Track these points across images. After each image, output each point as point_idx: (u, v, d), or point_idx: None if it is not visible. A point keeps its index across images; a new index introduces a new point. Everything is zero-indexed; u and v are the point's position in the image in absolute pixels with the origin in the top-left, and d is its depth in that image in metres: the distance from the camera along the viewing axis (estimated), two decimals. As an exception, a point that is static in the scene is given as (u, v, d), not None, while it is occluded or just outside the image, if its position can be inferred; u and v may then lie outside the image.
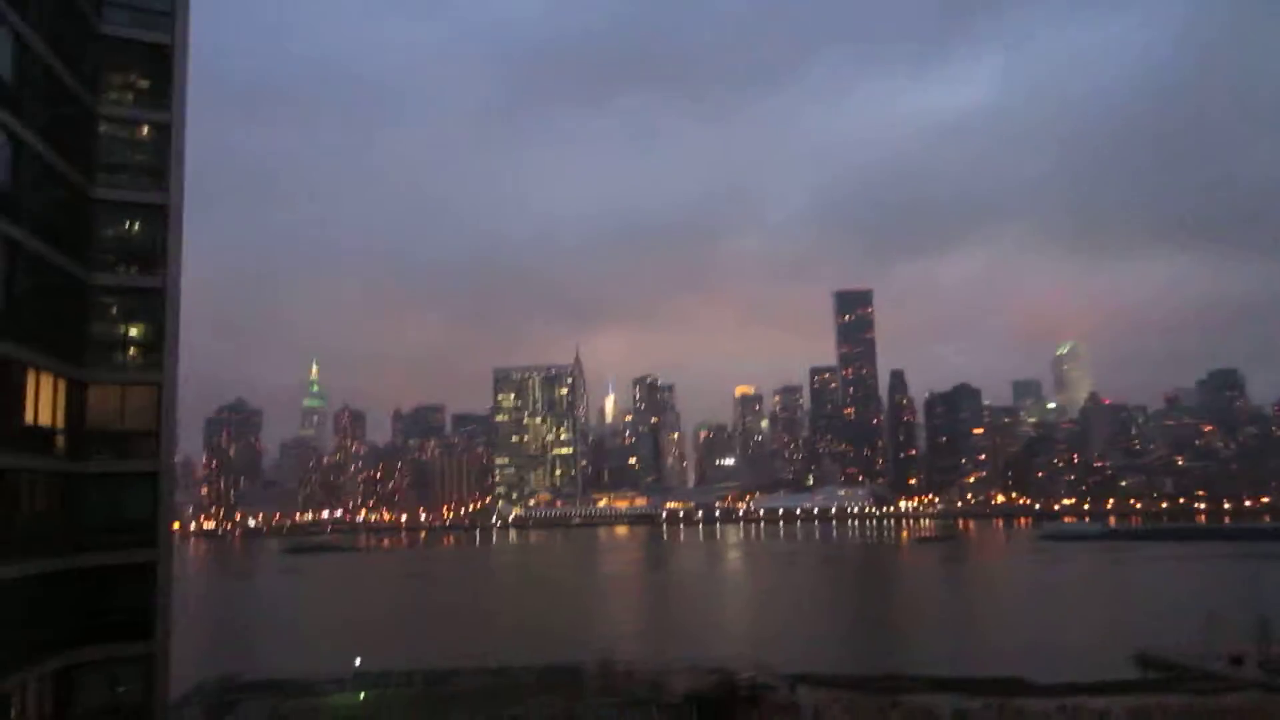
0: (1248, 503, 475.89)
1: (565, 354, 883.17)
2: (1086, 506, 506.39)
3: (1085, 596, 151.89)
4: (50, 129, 26.28)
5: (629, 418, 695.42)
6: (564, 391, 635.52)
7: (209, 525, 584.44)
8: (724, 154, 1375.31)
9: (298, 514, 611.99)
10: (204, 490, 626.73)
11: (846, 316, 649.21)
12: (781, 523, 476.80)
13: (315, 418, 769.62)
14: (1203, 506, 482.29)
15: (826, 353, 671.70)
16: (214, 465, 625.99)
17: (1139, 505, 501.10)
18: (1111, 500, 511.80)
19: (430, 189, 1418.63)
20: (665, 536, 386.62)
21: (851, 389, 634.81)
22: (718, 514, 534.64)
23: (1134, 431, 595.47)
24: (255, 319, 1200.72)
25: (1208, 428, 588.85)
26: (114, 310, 28.57)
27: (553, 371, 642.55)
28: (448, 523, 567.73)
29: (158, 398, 27.92)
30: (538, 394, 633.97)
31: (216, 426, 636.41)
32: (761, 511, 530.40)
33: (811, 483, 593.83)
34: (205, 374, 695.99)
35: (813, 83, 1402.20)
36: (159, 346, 28.31)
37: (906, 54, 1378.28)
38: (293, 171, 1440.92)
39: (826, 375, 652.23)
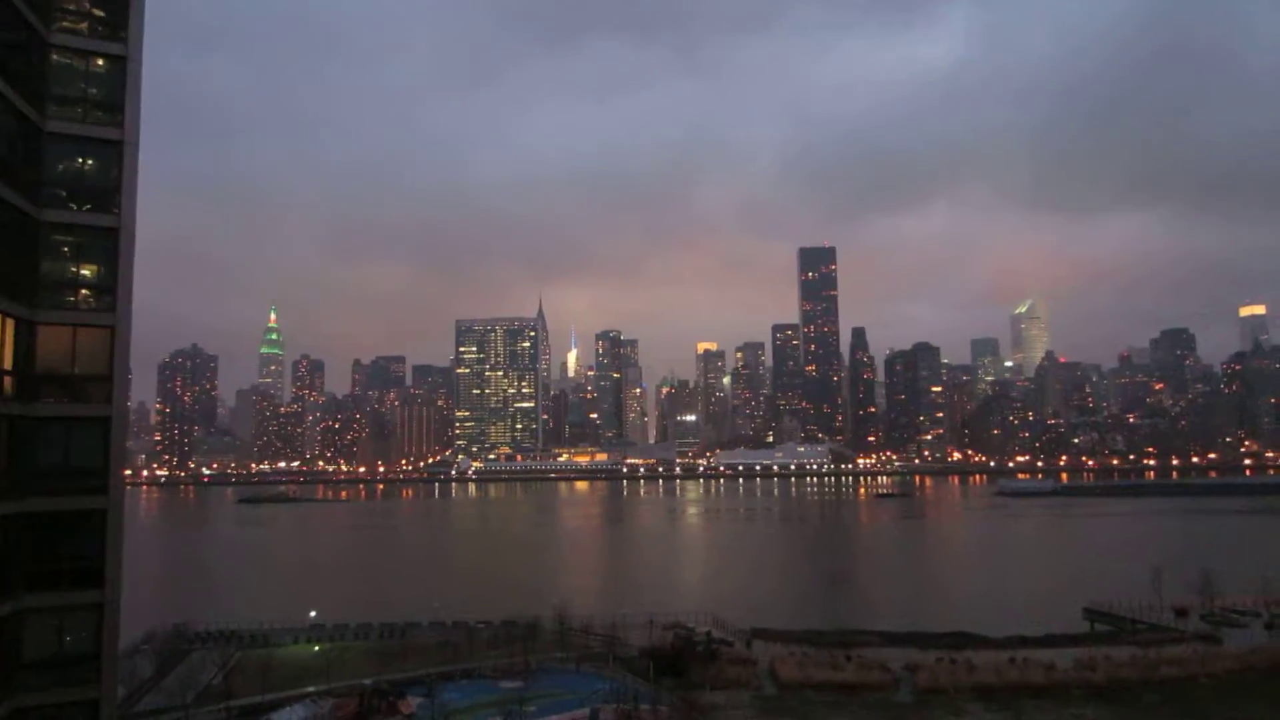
0: (1195, 459, 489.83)
1: (529, 305, 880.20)
2: (1040, 463, 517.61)
3: (1036, 551, 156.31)
4: (-3, 56, 25.53)
5: (591, 372, 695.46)
6: (526, 345, 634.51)
7: (162, 473, 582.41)
8: (695, 107, 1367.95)
9: (253, 464, 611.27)
10: (157, 437, 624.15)
11: (810, 274, 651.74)
12: (741, 480, 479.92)
13: (273, 366, 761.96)
14: (1152, 463, 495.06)
15: (790, 310, 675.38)
16: (168, 412, 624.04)
17: (1091, 462, 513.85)
18: (1064, 457, 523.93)
19: (395, 130, 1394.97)
20: (625, 492, 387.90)
21: (813, 346, 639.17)
22: (679, 470, 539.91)
23: (1088, 390, 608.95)
24: (212, 263, 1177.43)
25: (1159, 385, 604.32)
26: (65, 249, 27.88)
27: (516, 324, 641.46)
28: (407, 475, 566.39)
29: (110, 340, 27.38)
30: (500, 347, 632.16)
31: (170, 372, 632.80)
32: (722, 468, 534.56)
33: (772, 440, 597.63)
34: (159, 317, 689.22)
35: (789, 35, 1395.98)
36: (112, 288, 27.69)
37: (880, 6, 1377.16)
38: (251, 110, 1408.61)
39: (789, 332, 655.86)
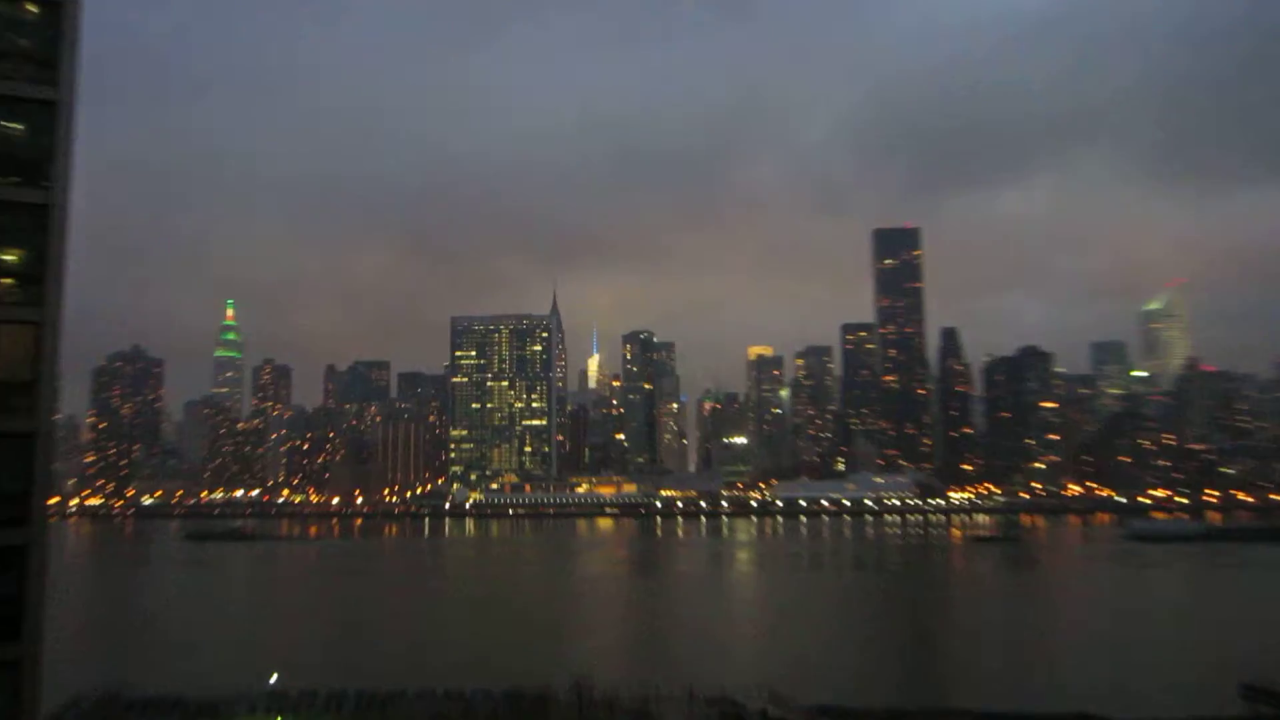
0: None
1: (540, 302, 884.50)
2: (1182, 500, 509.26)
3: (1178, 611, 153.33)
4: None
5: (617, 383, 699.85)
6: (538, 348, 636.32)
7: (95, 502, 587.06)
8: (741, 59, 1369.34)
9: (204, 492, 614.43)
10: (89, 458, 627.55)
11: (887, 261, 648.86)
12: (804, 517, 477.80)
13: (229, 373, 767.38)
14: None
15: (862, 306, 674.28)
16: (103, 428, 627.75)
17: (1247, 498, 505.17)
18: (1213, 492, 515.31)
19: (375, 95, 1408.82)
20: (659, 532, 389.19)
21: (893, 351, 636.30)
22: (725, 505, 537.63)
23: (1241, 406, 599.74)
24: (159, 249, 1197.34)
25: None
26: (-15, 230, 28.16)
27: (524, 323, 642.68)
28: (391, 509, 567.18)
29: (36, 340, 27.55)
30: (505, 351, 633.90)
31: (107, 379, 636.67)
32: (779, 503, 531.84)
33: (842, 467, 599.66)
34: (94, 314, 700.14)
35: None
36: (40, 277, 27.88)
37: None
38: (206, 68, 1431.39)
39: (862, 334, 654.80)
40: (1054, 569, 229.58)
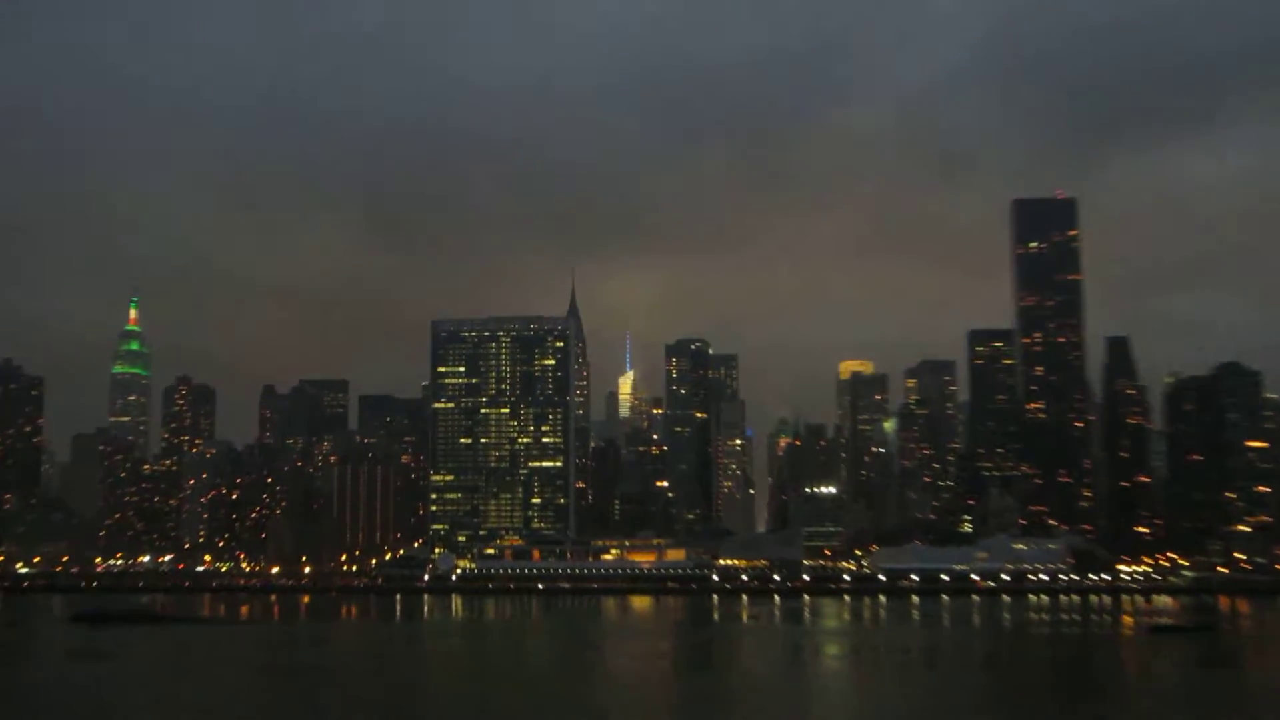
0: None
1: (553, 300, 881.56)
2: None
3: None
4: None
5: (659, 410, 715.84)
6: (550, 363, 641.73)
7: None
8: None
9: (98, 559, 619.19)
10: None
11: (1031, 244, 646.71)
12: (915, 597, 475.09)
13: (133, 396, 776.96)
14: None
15: (997, 306, 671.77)
16: None
17: None
18: None
19: (334, 16, 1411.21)
20: (716, 615, 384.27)
21: (1039, 369, 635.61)
22: (807, 579, 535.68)
23: None
24: (35, 232, 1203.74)
25: None
26: None
27: (532, 328, 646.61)
28: (350, 582, 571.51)
29: None
30: (506, 366, 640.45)
31: None
32: (881, 576, 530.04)
33: (969, 529, 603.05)
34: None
35: None
36: None
37: None
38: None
39: (997, 345, 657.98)
40: (1264, 670, 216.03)
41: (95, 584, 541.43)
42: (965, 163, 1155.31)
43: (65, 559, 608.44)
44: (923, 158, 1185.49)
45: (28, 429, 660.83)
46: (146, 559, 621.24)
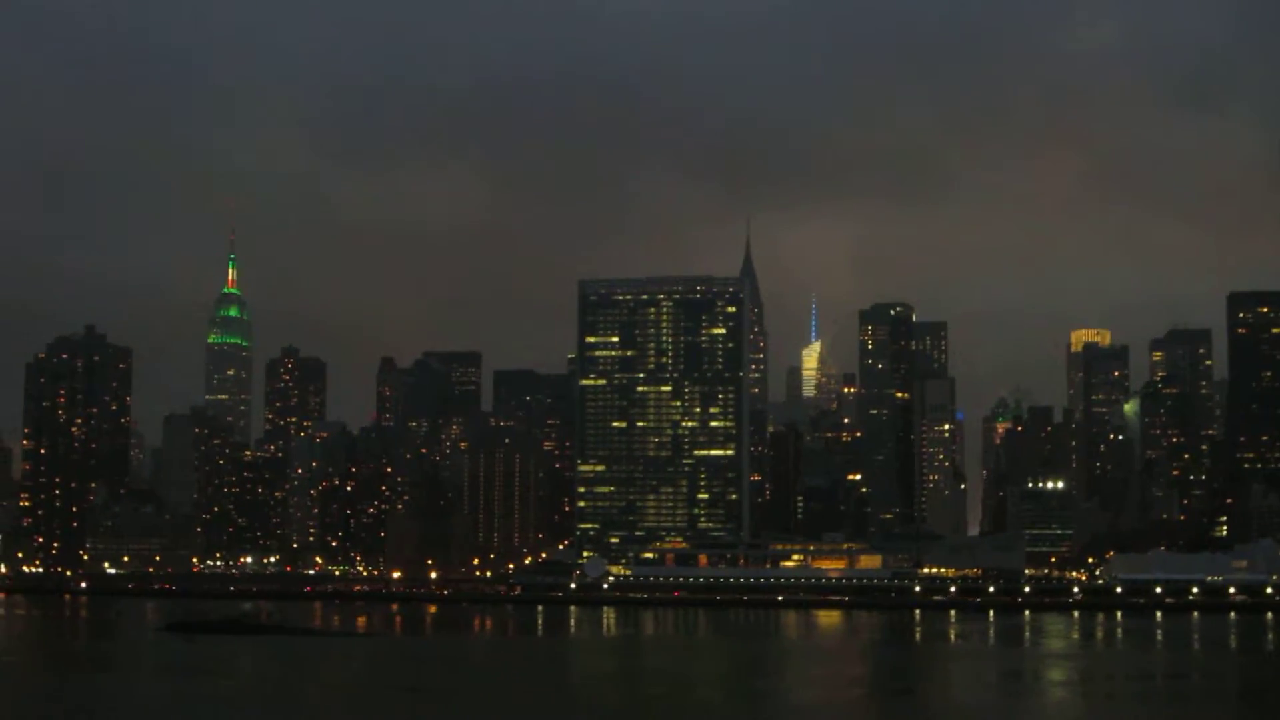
0: None
1: (724, 258, 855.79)
2: None
3: None
4: None
5: (851, 390, 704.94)
6: (720, 332, 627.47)
7: (32, 571, 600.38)
8: None
9: (195, 558, 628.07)
10: (22, 502, 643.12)
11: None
12: (1159, 613, 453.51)
13: (231, 370, 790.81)
14: None
15: (1264, 264, 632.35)
16: (41, 454, 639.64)
17: None
18: None
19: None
20: (919, 633, 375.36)
21: None
22: (1028, 590, 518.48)
23: None
24: (114, 180, 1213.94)
25: None
26: None
27: (698, 291, 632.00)
28: (483, 588, 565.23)
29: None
30: (667, 336, 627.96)
31: (45, 379, 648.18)
32: (1119, 588, 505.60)
33: (1225, 532, 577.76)
34: (24, 279, 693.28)
35: None
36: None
37: None
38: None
39: (1264, 310, 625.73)
40: None
41: (191, 587, 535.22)
42: (1220, 89, 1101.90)
43: (158, 558, 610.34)
44: (1165, 83, 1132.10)
45: (114, 408, 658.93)
46: (248, 560, 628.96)
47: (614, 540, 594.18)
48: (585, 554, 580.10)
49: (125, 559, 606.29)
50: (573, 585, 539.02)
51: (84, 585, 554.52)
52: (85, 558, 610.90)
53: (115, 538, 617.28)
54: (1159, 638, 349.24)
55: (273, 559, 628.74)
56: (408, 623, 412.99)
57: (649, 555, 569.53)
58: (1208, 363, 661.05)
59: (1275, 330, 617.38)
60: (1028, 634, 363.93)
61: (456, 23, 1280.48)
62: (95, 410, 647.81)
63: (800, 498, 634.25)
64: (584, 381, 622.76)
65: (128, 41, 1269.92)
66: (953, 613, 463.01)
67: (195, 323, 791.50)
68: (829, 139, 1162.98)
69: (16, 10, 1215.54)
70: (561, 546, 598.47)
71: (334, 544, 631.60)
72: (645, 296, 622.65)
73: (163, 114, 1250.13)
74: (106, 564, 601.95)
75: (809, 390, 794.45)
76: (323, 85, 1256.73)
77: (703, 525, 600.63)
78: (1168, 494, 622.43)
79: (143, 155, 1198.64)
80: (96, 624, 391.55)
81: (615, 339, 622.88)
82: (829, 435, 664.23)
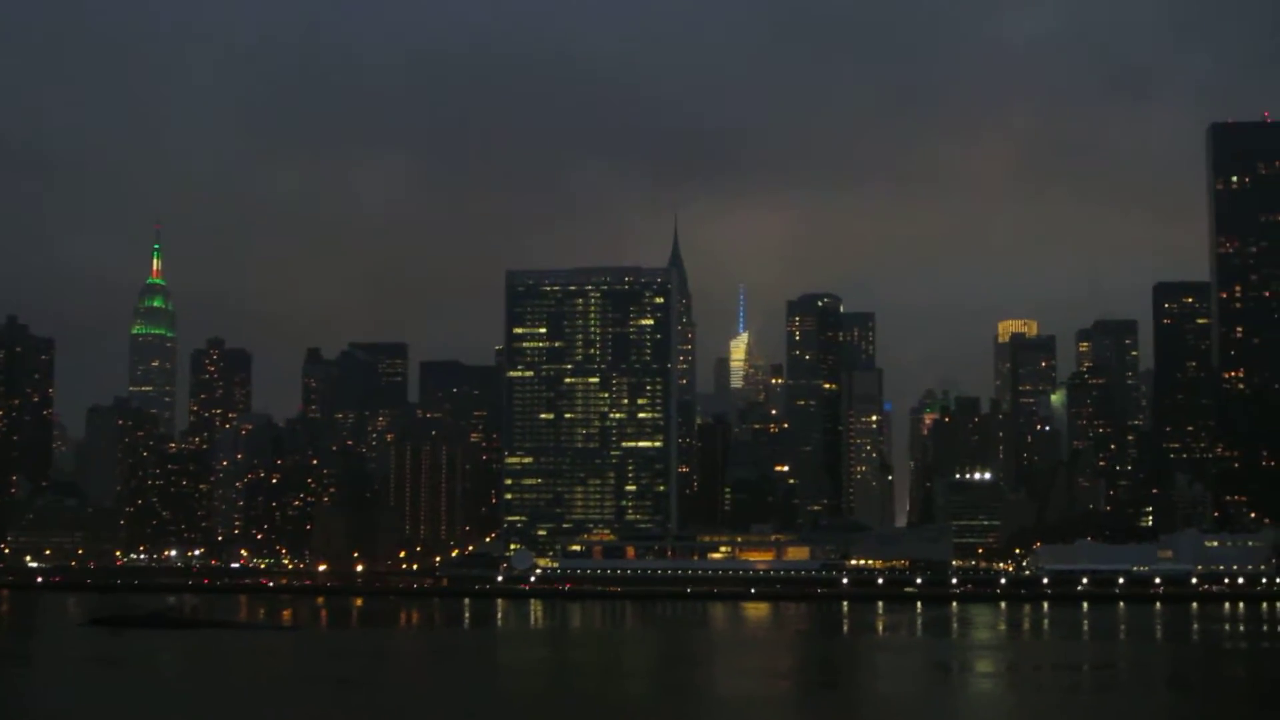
0: None
1: (652, 249, 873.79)
2: None
3: None
4: None
5: (779, 380, 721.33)
6: (648, 323, 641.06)
7: None
8: None
9: (118, 551, 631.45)
10: None
11: (1234, 178, 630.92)
12: (1086, 603, 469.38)
13: (155, 361, 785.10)
14: None
15: (1189, 254, 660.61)
16: None
17: None
18: None
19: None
20: (846, 624, 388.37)
21: (1239, 330, 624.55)
22: (955, 581, 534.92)
23: None
24: (45, 155, 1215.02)
25: None
26: None
27: (628, 281, 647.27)
28: (410, 581, 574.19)
29: None
30: (595, 327, 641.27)
31: None
32: (1045, 579, 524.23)
33: (1151, 523, 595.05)
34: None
35: None
36: None
37: None
38: None
39: (1189, 300, 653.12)
40: None
41: (115, 582, 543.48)
42: (1149, 78, 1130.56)
43: (80, 552, 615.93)
44: (1096, 72, 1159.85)
45: (36, 400, 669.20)
46: (173, 553, 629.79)
47: (541, 533, 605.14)
48: (512, 546, 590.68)
49: (47, 552, 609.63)
50: (500, 578, 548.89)
51: (6, 580, 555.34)
52: (6, 551, 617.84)
53: (37, 531, 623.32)
54: (1085, 628, 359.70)
55: (197, 552, 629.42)
56: (334, 616, 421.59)
57: (576, 548, 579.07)
58: (1134, 353, 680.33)
59: (1200, 321, 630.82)
60: (955, 625, 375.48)
61: (382, 11, 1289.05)
62: (17, 402, 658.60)
63: (728, 489, 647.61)
64: (511, 373, 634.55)
65: (58, 30, 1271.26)
66: (880, 604, 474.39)
67: (120, 313, 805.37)
68: (757, 129, 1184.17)
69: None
70: (488, 539, 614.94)
71: (259, 537, 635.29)
72: (573, 287, 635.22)
73: (86, 102, 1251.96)
74: (28, 558, 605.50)
75: (737, 381, 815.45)
76: (248, 73, 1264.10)
77: (630, 517, 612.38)
78: (1094, 484, 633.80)
79: (65, 143, 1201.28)
80: (20, 619, 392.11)
81: (543, 330, 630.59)
82: (756, 427, 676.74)
